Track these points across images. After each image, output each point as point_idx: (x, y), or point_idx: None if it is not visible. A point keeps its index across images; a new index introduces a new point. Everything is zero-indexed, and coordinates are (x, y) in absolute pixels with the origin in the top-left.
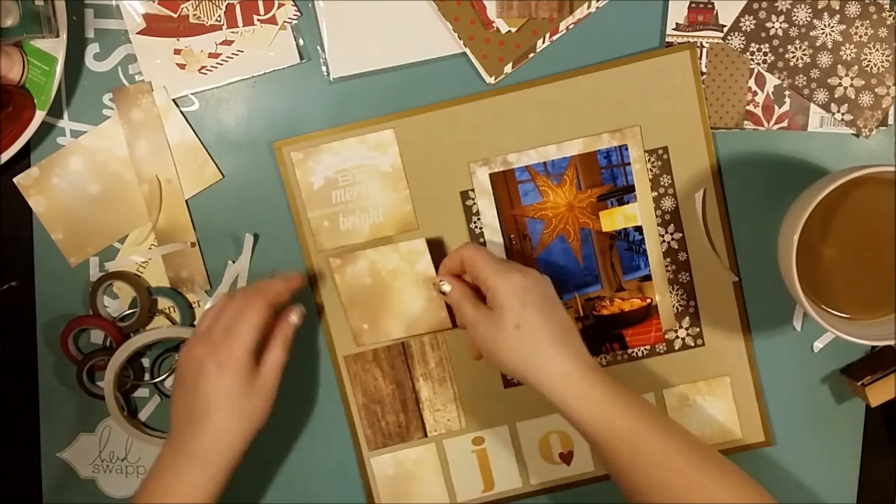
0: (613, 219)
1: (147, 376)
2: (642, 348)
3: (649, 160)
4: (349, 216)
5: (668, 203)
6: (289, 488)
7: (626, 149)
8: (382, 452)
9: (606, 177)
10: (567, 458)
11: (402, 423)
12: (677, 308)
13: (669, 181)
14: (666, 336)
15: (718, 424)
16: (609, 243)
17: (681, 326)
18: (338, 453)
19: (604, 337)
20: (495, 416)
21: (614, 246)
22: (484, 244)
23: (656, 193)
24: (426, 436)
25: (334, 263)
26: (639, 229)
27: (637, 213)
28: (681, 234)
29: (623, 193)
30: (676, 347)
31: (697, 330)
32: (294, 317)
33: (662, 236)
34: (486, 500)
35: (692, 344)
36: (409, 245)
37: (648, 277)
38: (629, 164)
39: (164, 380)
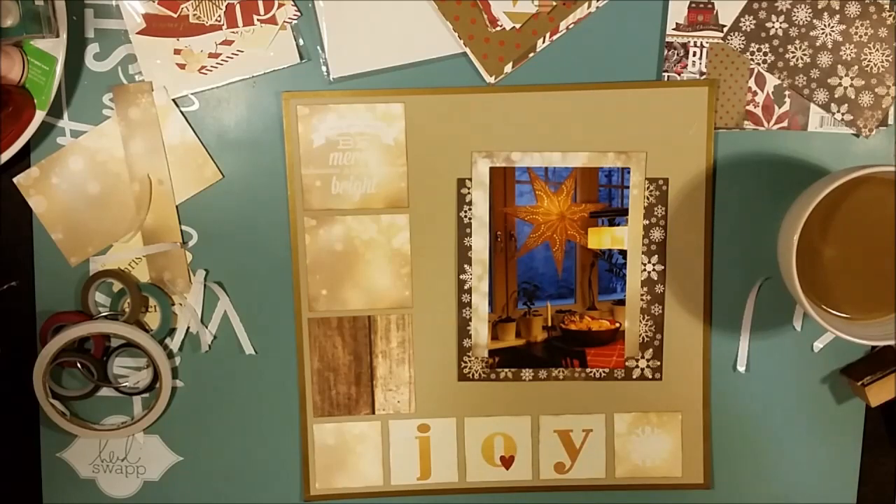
0: (601, 237)
1: (112, 378)
2: (601, 370)
3: (648, 188)
4: (342, 181)
5: (657, 234)
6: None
7: (629, 172)
8: (327, 421)
9: (603, 195)
10: (507, 462)
11: (352, 396)
12: (643, 338)
13: (663, 212)
14: (626, 363)
15: (661, 459)
16: (591, 261)
17: (643, 357)
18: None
19: (565, 351)
20: (446, 408)
21: (595, 264)
22: (470, 235)
23: (647, 222)
24: (373, 413)
25: (308, 224)
26: (623, 253)
27: (625, 237)
28: (662, 267)
29: (616, 215)
30: (634, 376)
31: (658, 364)
32: None
33: (644, 265)
34: (419, 489)
35: (650, 376)
36: (391, 218)
37: (622, 302)
38: (628, 187)
39: (124, 380)
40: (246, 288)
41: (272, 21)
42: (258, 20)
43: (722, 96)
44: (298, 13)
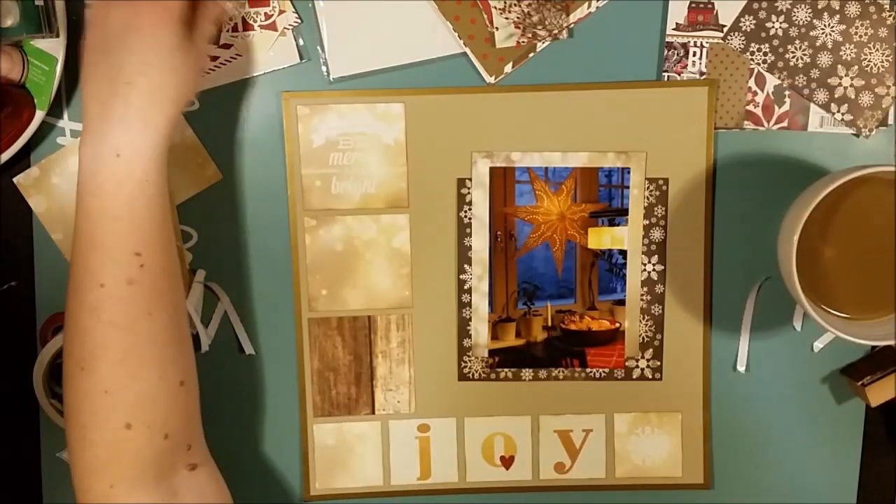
0: (601, 237)
1: None
2: (601, 370)
3: (648, 188)
4: (342, 181)
5: (657, 234)
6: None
7: (629, 172)
8: (327, 421)
9: (603, 195)
10: (507, 462)
11: (352, 396)
12: (643, 338)
13: (663, 212)
14: (626, 363)
15: (662, 459)
16: (591, 261)
17: (643, 357)
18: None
19: (565, 351)
20: (445, 408)
21: (595, 264)
22: (470, 235)
23: (647, 222)
24: (373, 413)
25: (308, 224)
26: (623, 253)
27: (625, 237)
28: (662, 267)
29: (616, 215)
30: (634, 377)
31: (658, 364)
32: (229, 5)
33: (644, 265)
34: (419, 489)
35: (650, 377)
36: (391, 218)
37: (622, 302)
38: (628, 187)
39: None
40: (246, 288)
41: (272, 27)
42: (258, 26)
43: (722, 96)
44: (298, 20)
